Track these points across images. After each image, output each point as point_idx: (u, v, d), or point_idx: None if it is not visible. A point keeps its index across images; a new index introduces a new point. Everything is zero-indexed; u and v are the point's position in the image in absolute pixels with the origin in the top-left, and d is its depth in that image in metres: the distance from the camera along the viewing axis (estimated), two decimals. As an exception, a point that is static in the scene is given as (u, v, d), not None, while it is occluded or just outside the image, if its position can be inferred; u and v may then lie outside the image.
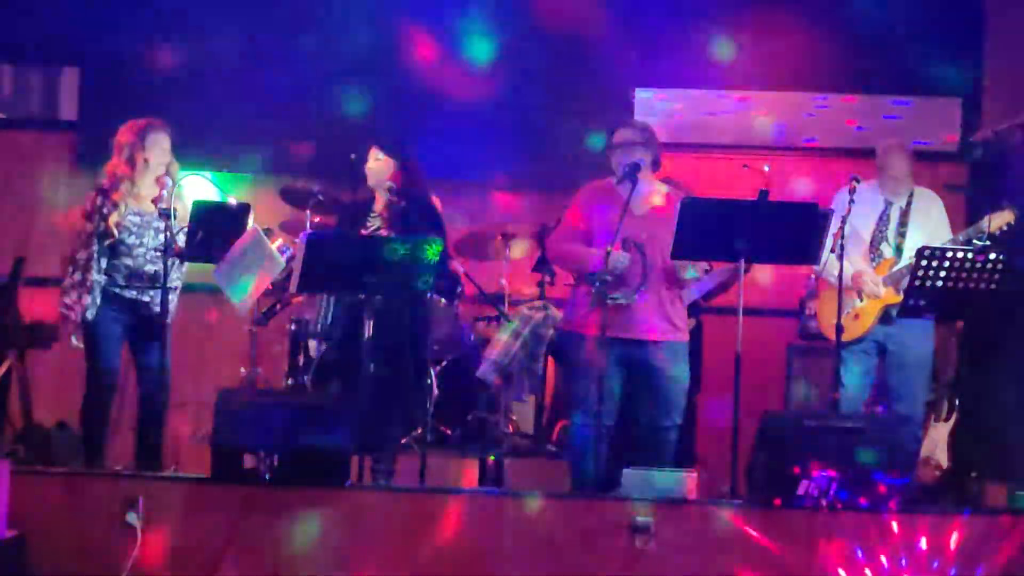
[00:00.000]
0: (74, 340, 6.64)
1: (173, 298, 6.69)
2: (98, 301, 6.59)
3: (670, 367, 6.58)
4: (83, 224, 6.68)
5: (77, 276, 6.60)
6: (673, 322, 6.65)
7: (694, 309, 7.52)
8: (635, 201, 6.54)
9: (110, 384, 6.72)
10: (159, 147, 6.72)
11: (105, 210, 6.63)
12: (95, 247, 6.61)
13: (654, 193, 6.70)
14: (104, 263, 6.63)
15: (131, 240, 6.66)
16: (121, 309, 6.68)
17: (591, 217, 6.57)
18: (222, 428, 6.01)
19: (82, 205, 6.76)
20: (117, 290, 6.67)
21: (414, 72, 8.88)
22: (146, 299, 6.69)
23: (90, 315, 6.58)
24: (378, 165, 7.02)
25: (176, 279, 6.72)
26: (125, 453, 7.00)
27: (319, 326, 7.30)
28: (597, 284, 6.29)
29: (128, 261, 6.67)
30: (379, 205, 7.03)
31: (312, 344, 7.47)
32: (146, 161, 6.70)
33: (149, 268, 6.65)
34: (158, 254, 6.57)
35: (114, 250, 6.65)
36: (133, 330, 6.71)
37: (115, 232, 6.61)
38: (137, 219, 6.67)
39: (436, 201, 7.27)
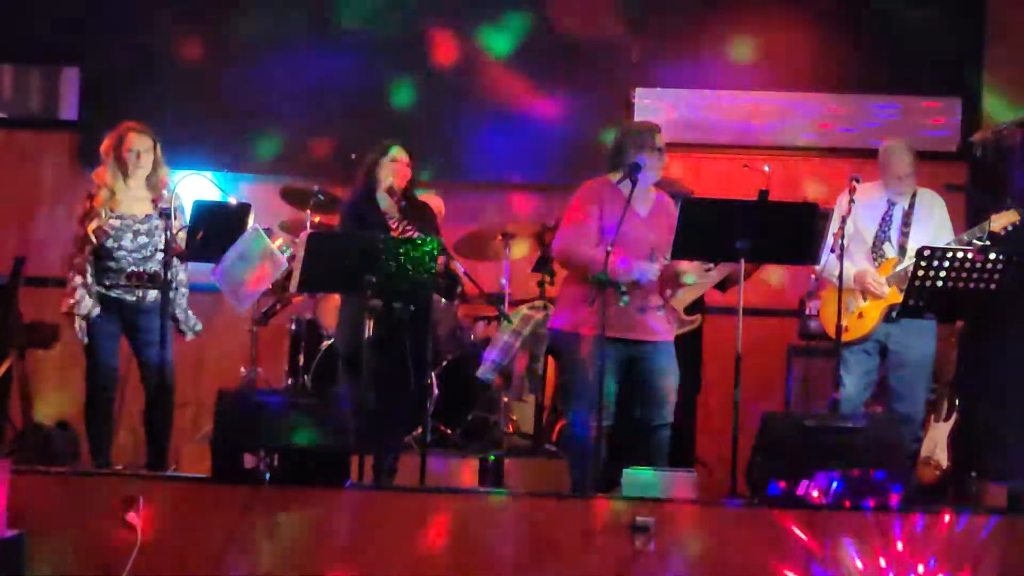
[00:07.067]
0: (79, 335, 6.76)
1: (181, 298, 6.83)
2: (90, 302, 6.72)
3: (669, 367, 6.58)
4: (76, 228, 6.84)
5: (77, 280, 6.75)
6: (670, 322, 6.69)
7: (698, 307, 7.53)
8: (639, 201, 6.54)
9: (106, 382, 6.82)
10: (132, 151, 6.83)
11: (90, 216, 6.77)
12: (86, 251, 6.76)
13: (654, 193, 6.70)
14: (97, 265, 6.77)
15: (110, 244, 6.77)
16: (111, 309, 6.80)
17: (596, 215, 6.54)
18: (222, 428, 6.02)
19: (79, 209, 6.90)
20: (103, 291, 6.79)
21: (413, 73, 8.88)
22: (131, 299, 6.78)
23: (84, 312, 6.71)
24: (402, 166, 6.95)
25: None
26: (126, 453, 6.99)
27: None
28: (624, 299, 6.33)
29: (111, 263, 6.79)
30: (386, 204, 6.95)
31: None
32: (120, 165, 6.82)
33: (134, 269, 6.70)
34: (148, 254, 6.70)
35: (97, 253, 6.77)
36: (128, 329, 6.85)
37: (93, 238, 6.74)
38: (117, 223, 6.79)
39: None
